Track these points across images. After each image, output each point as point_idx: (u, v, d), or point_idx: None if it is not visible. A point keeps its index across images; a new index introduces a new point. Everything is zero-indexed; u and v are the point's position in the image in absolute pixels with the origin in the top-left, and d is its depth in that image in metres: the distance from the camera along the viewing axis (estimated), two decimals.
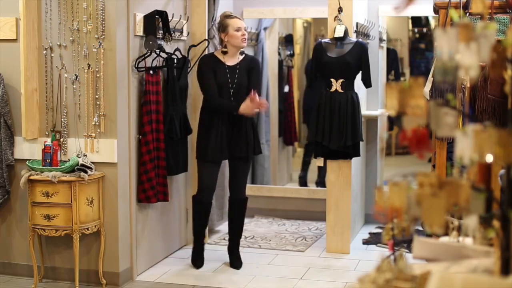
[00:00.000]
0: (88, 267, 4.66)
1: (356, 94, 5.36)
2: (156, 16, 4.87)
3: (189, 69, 5.38)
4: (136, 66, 4.75)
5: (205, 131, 4.93)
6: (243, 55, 5.03)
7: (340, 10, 5.29)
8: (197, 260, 5.11)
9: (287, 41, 7.67)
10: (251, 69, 4.98)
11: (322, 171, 7.03)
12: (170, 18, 5.02)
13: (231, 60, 4.95)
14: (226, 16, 4.98)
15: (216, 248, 5.57)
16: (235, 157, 4.98)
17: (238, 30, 4.89)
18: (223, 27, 4.95)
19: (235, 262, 5.10)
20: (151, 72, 4.85)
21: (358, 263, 5.22)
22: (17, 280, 4.78)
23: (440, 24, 4.33)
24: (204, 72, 4.92)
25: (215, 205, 6.01)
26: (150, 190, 4.84)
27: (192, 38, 5.55)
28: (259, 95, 4.95)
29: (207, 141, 4.90)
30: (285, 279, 4.86)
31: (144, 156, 4.81)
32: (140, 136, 4.83)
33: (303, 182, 7.36)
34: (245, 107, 4.75)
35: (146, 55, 4.81)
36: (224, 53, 4.95)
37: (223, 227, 6.10)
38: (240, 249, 5.21)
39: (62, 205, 4.40)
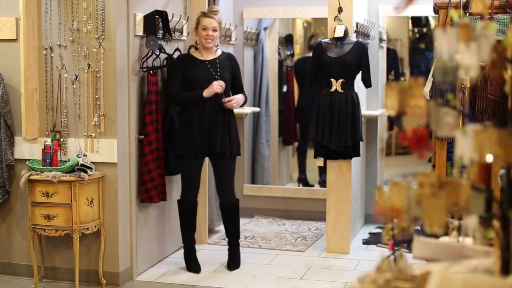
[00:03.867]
0: (88, 267, 4.66)
1: (356, 94, 5.36)
2: (156, 16, 4.87)
3: None
4: (141, 66, 4.75)
5: (184, 128, 4.86)
6: (221, 51, 5.02)
7: (340, 10, 5.29)
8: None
9: (287, 41, 7.67)
10: (233, 67, 4.99)
11: (322, 170, 7.04)
12: (170, 18, 5.03)
13: (209, 55, 4.94)
14: (202, 13, 4.95)
15: (216, 248, 5.57)
16: (215, 154, 4.91)
17: (204, 29, 4.85)
18: (196, 23, 4.95)
19: (231, 263, 5.08)
20: (151, 72, 4.85)
21: (358, 263, 5.22)
22: (17, 280, 4.78)
23: (440, 24, 4.33)
24: (173, 71, 4.91)
25: (215, 205, 6.01)
26: (153, 190, 4.84)
27: (192, 38, 5.54)
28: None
29: (187, 137, 4.85)
30: (285, 279, 4.86)
31: (147, 156, 4.81)
32: (142, 136, 4.83)
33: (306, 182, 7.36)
34: (208, 89, 4.75)
35: (148, 55, 4.81)
36: (196, 48, 4.97)
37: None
38: (240, 249, 5.20)
39: (62, 205, 4.40)
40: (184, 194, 5.00)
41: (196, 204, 5.04)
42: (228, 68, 4.94)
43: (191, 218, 5.02)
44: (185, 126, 4.85)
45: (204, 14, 4.89)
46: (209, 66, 4.89)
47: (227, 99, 4.82)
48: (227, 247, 5.21)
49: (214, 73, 4.86)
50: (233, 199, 5.05)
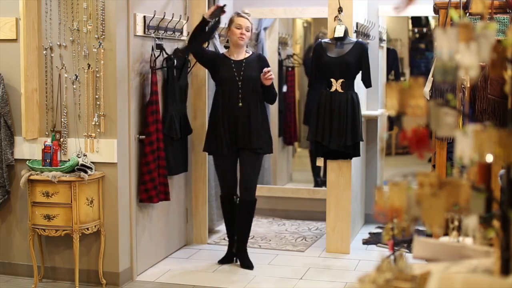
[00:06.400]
0: (88, 267, 4.66)
1: (356, 94, 5.36)
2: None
3: (189, 69, 5.39)
4: (152, 66, 4.82)
5: (211, 125, 5.07)
6: (252, 52, 5.18)
7: (340, 10, 5.29)
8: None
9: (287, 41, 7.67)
10: (263, 67, 5.05)
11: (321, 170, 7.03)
12: (170, 18, 5.03)
13: (239, 55, 5.08)
14: (236, 13, 5.15)
15: (216, 248, 5.57)
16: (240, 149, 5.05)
17: (238, 27, 5.02)
18: (228, 23, 5.13)
19: (245, 262, 5.10)
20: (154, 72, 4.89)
21: (358, 263, 5.22)
22: (17, 280, 4.78)
23: (440, 24, 4.33)
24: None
25: (215, 205, 6.01)
26: (153, 190, 4.84)
27: None
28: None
29: (215, 134, 5.03)
30: (285, 279, 4.86)
31: (148, 156, 4.81)
32: (143, 136, 4.83)
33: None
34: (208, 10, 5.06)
35: (157, 56, 4.87)
36: (227, 48, 5.13)
37: (223, 227, 6.09)
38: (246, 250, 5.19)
39: (62, 205, 4.40)
40: (221, 190, 5.28)
41: (233, 199, 5.20)
42: (256, 68, 5.03)
43: (227, 213, 5.20)
44: (213, 124, 5.05)
45: (239, 14, 5.11)
46: (233, 65, 5.02)
47: (266, 69, 4.94)
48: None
49: (236, 73, 4.98)
50: (243, 195, 5.09)
